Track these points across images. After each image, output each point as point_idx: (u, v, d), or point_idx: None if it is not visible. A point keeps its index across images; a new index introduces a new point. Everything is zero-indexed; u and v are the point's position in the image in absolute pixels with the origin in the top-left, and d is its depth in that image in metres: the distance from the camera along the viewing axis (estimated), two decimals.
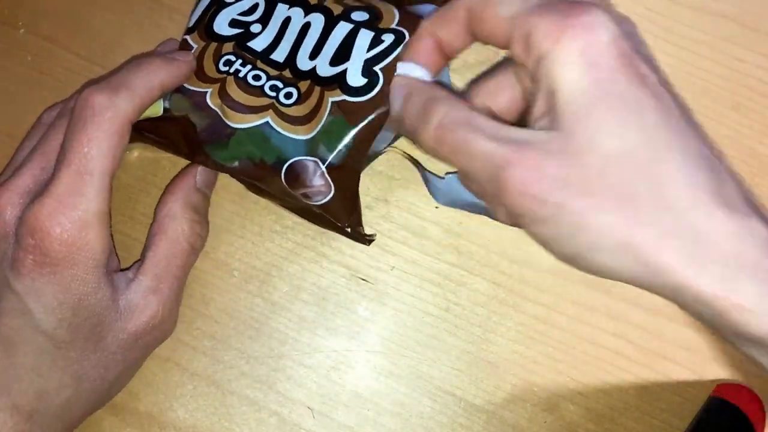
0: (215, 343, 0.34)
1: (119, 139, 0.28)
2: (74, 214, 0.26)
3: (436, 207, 0.34)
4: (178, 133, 0.32)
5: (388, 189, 0.35)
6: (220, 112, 0.32)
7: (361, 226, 0.32)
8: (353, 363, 0.34)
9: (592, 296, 0.34)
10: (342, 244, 0.34)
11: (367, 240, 0.33)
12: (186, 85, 0.32)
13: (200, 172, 0.33)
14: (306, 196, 0.31)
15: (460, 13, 0.27)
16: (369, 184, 0.35)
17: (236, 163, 0.31)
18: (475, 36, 0.27)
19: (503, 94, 0.28)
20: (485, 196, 0.27)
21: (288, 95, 0.31)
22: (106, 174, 0.27)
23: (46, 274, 0.27)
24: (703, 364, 0.33)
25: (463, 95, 0.29)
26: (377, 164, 0.35)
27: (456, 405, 0.33)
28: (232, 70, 0.32)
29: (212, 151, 0.32)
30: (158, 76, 0.30)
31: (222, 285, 0.34)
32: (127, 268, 0.31)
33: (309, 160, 0.31)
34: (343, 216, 0.31)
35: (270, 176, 0.31)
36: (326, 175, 0.30)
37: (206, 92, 0.32)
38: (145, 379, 0.34)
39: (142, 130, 0.32)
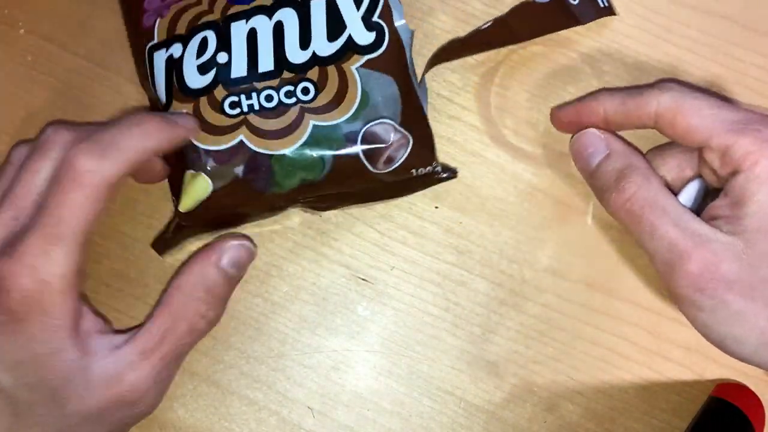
0: (215, 343, 0.34)
1: (98, 204, 0.27)
2: (36, 276, 0.26)
3: (436, 207, 0.34)
4: (234, 201, 0.31)
5: None
6: (263, 150, 0.31)
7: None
8: (353, 363, 0.34)
9: (592, 296, 0.34)
10: (342, 244, 0.34)
11: (454, 172, 0.34)
12: (213, 147, 0.31)
13: (229, 249, 0.31)
14: (389, 159, 0.31)
15: (650, 112, 0.29)
16: None
17: (296, 182, 0.31)
18: (660, 132, 0.29)
19: (680, 173, 0.31)
20: (653, 265, 0.28)
21: (305, 91, 0.31)
22: (78, 238, 0.27)
23: (7, 332, 0.26)
24: (703, 364, 0.33)
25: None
26: None
27: (456, 405, 0.33)
28: (246, 109, 0.31)
29: (270, 188, 0.31)
30: (155, 138, 0.29)
31: None
32: (124, 331, 0.29)
33: (374, 125, 0.31)
34: (428, 157, 0.32)
35: (348, 166, 0.31)
36: (398, 127, 0.31)
37: (240, 139, 0.31)
38: None
39: (195, 226, 0.32)
